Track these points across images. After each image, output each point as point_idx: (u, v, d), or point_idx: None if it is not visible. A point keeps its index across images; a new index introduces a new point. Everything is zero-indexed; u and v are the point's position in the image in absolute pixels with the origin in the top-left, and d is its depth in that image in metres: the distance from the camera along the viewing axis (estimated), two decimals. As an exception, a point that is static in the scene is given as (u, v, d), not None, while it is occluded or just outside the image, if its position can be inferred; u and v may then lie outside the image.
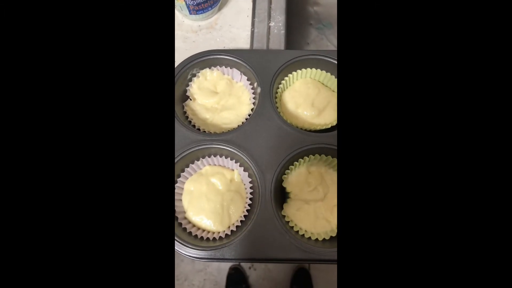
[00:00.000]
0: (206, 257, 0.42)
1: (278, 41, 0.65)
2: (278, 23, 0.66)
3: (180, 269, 1.11)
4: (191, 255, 0.43)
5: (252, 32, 0.66)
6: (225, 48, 0.64)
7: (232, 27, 0.67)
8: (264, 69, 0.53)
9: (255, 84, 0.53)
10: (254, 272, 1.13)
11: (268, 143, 0.48)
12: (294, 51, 0.56)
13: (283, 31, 0.65)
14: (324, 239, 0.46)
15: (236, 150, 0.48)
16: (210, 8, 0.64)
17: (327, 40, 0.98)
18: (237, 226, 0.46)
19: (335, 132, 0.50)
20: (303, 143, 0.48)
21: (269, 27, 0.66)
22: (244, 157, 0.48)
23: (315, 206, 0.49)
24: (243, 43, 0.66)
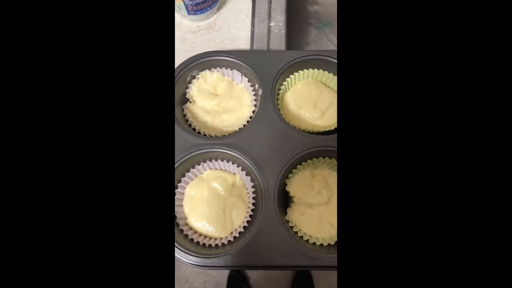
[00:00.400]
0: (209, 265, 0.41)
1: (278, 41, 0.64)
2: (278, 22, 0.65)
3: (181, 271, 1.10)
4: (194, 263, 0.41)
5: (252, 32, 0.64)
6: (225, 49, 0.63)
7: (232, 28, 0.66)
8: (266, 70, 0.52)
9: (256, 86, 0.52)
10: (255, 273, 1.12)
11: (270, 146, 0.47)
12: (296, 51, 0.54)
13: (283, 31, 0.64)
14: (329, 244, 0.45)
15: (237, 153, 0.47)
16: (209, 8, 0.63)
17: (327, 40, 0.97)
18: (240, 232, 0.45)
19: (339, 134, 0.49)
20: (307, 146, 0.47)
21: (269, 27, 0.65)
22: (246, 161, 0.46)
23: (319, 210, 0.48)
24: (243, 43, 0.64)
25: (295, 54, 0.54)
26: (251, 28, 0.65)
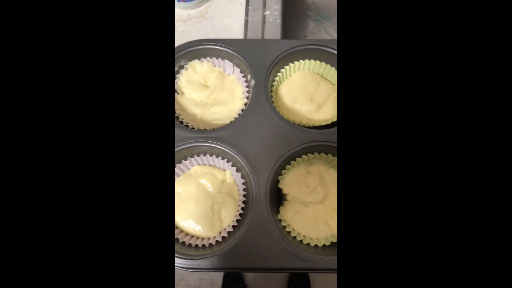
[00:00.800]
0: (194, 267, 0.38)
1: (274, 31, 0.61)
2: (274, 11, 0.62)
3: (176, 269, 1.07)
4: (178, 265, 0.39)
5: (246, 21, 0.61)
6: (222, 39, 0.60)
7: (225, 16, 0.62)
8: (259, 60, 0.49)
9: (249, 77, 0.49)
10: (250, 272, 1.10)
11: (262, 140, 0.44)
12: (291, 40, 0.51)
13: (279, 20, 0.61)
14: (324, 245, 0.42)
15: (227, 148, 0.44)
16: (200, -5, 0.60)
17: (325, 33, 0.93)
18: (229, 232, 0.42)
19: (336, 129, 0.46)
20: (301, 141, 0.44)
21: (264, 16, 0.62)
22: (236, 156, 0.44)
23: (314, 208, 0.45)
24: (237, 33, 0.61)
25: (290, 44, 0.50)
26: (245, 17, 0.62)
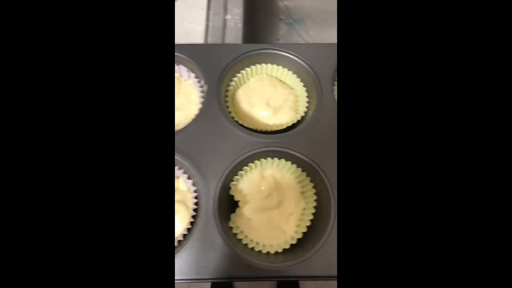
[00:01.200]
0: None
1: (235, 35, 0.60)
2: (235, 16, 0.62)
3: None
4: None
5: (207, 26, 0.61)
6: (177, 44, 0.59)
7: (186, 20, 0.62)
8: (211, 65, 0.48)
9: (202, 82, 0.48)
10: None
11: (213, 146, 0.43)
12: (247, 44, 0.51)
13: (240, 24, 0.61)
14: (276, 252, 0.42)
15: (177, 155, 0.43)
16: (159, 0, 0.59)
17: (298, 36, 0.93)
18: (179, 241, 0.41)
19: (289, 133, 0.45)
20: (253, 146, 0.44)
21: (225, 20, 0.61)
22: (185, 163, 0.43)
23: (269, 214, 0.44)
24: (198, 38, 0.61)
25: (245, 48, 0.50)
26: (206, 22, 0.61)
